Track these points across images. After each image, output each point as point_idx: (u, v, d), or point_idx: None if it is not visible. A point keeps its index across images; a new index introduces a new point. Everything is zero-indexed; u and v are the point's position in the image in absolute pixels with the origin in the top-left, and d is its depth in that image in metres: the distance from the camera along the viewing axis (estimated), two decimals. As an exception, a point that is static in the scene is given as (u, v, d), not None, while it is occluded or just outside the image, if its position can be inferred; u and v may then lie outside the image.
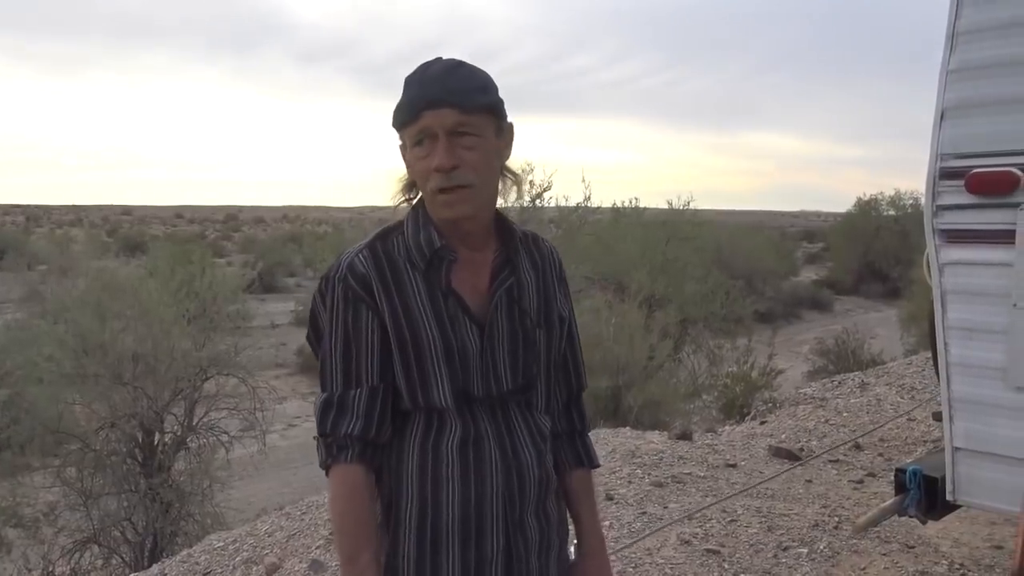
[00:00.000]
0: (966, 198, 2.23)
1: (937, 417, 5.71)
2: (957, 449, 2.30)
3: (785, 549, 3.94)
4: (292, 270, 29.93)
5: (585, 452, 1.57)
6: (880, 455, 5.33)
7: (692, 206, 13.80)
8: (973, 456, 2.28)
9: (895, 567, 3.76)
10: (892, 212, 22.47)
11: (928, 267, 3.20)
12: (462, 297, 1.39)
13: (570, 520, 1.59)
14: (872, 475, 4.97)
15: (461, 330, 1.38)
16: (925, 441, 5.47)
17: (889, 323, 18.06)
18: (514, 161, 1.45)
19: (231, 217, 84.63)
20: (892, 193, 22.79)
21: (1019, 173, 2.14)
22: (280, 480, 10.19)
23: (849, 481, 4.87)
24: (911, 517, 2.51)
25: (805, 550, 3.94)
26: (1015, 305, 2.18)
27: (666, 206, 14.11)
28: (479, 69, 1.38)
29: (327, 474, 1.38)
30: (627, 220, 13.84)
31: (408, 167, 1.40)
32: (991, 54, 2.18)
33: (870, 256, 22.08)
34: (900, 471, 2.49)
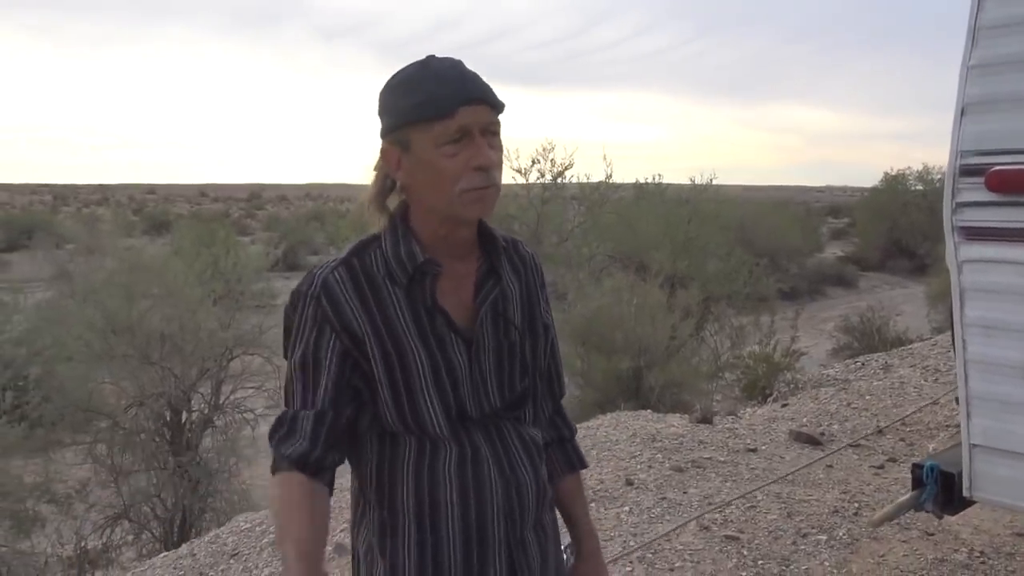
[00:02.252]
0: (986, 195, 2.21)
1: (959, 402, 5.70)
2: (975, 446, 2.30)
3: (804, 536, 3.96)
4: (315, 248, 30.15)
5: (576, 456, 1.56)
6: (902, 440, 5.31)
7: (715, 182, 13.69)
8: (991, 453, 2.27)
9: (914, 554, 3.76)
10: (920, 187, 22.15)
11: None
12: (447, 312, 1.33)
13: (563, 523, 1.58)
14: (893, 460, 4.95)
15: (448, 348, 1.32)
16: (947, 426, 5.43)
17: (915, 300, 17.87)
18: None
19: (254, 195, 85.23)
20: (920, 168, 22.46)
21: (1040, 171, 2.12)
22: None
23: (870, 467, 4.86)
24: (928, 512, 2.52)
25: (824, 537, 3.96)
26: (1035, 303, 2.16)
27: (688, 183, 14.02)
28: None
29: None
30: (649, 198, 13.77)
31: (418, 167, 1.29)
32: (1014, 50, 2.15)
33: (897, 232, 21.81)
34: (917, 466, 2.49)
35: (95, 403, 7.57)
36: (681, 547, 3.90)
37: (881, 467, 4.86)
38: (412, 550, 1.33)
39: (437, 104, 1.26)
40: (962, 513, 3.96)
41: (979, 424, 2.29)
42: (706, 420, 5.79)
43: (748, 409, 6.69)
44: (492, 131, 1.31)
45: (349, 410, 1.34)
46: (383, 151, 1.33)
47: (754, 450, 5.20)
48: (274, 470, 1.33)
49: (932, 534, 3.94)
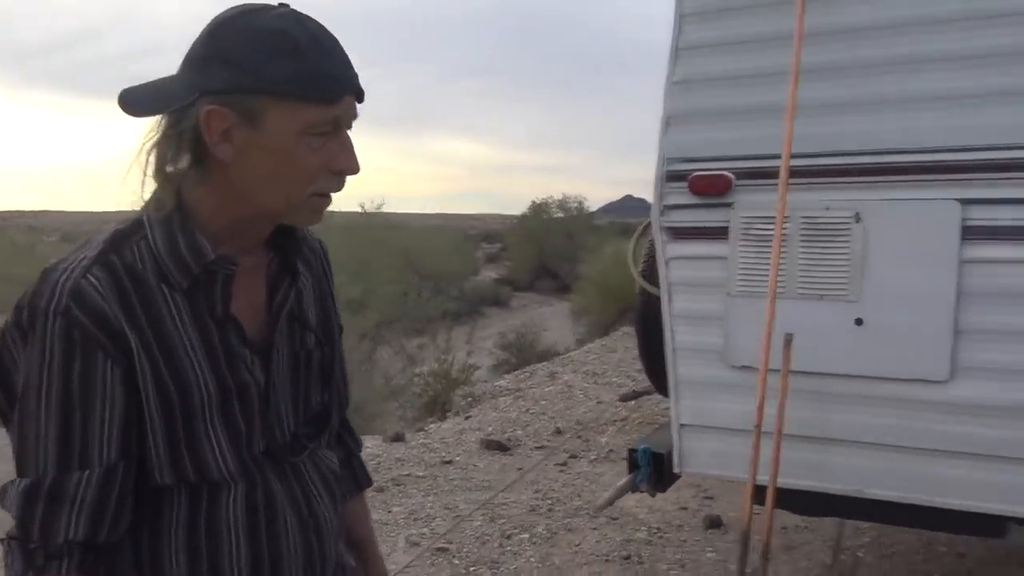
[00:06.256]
0: (689, 198, 2.47)
1: (624, 399, 6.36)
2: (683, 426, 2.55)
3: (509, 537, 4.11)
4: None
5: (363, 473, 1.37)
6: (579, 437, 5.76)
7: (384, 210, 13.90)
8: (697, 430, 2.53)
9: (605, 539, 4.09)
10: (561, 214, 24.63)
11: (633, 260, 3.51)
12: (239, 322, 1.05)
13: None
14: (574, 456, 5.35)
15: (241, 368, 1.04)
16: (615, 420, 6.03)
17: (560, 315, 19.68)
18: None
19: None
20: (561, 197, 25.02)
21: (732, 176, 2.42)
22: None
23: (555, 464, 5.20)
24: (643, 492, 2.74)
25: (527, 535, 4.14)
26: (729, 293, 2.46)
27: (359, 210, 14.08)
28: None
29: None
30: (318, 225, 13.56)
31: (264, 151, 0.98)
32: (708, 69, 2.45)
33: (543, 255, 23.96)
34: (632, 451, 2.69)
35: None
36: (394, 566, 3.82)
37: (564, 464, 5.23)
38: None
39: (325, 83, 0.97)
40: (638, 498, 4.39)
41: (687, 406, 2.54)
42: (399, 438, 5.79)
43: (434, 424, 6.83)
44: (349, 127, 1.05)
45: (138, 457, 1.01)
46: (210, 112, 0.96)
47: (450, 462, 5.30)
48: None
49: (616, 518, 4.32)
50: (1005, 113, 2.14)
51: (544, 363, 9.16)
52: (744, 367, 2.43)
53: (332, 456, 1.22)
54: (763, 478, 2.29)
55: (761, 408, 2.28)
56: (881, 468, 2.33)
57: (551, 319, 19.80)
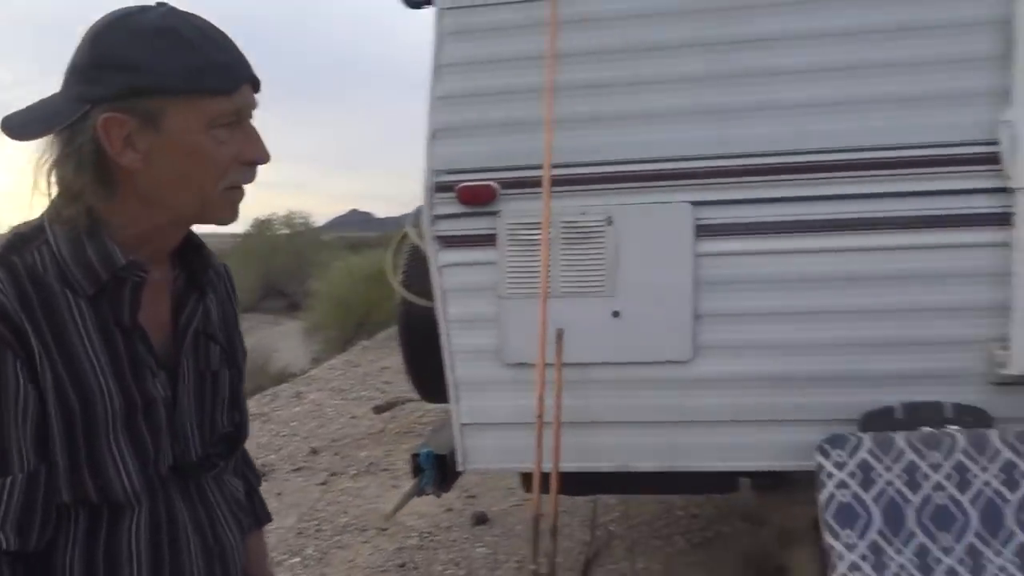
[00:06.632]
0: (457, 208, 2.59)
1: (378, 410, 6.37)
2: (464, 425, 2.66)
3: (280, 564, 3.98)
4: None
5: (262, 508, 1.35)
6: (336, 454, 5.69)
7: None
8: (478, 428, 2.66)
9: (378, 551, 4.11)
10: (287, 230, 23.83)
11: (392, 269, 3.59)
12: (146, 332, 1.01)
13: None
14: (334, 474, 5.29)
15: (148, 381, 1.00)
16: (371, 433, 6.03)
17: (291, 334, 19.12)
18: None
19: None
20: (286, 213, 24.19)
21: (496, 187, 2.58)
22: None
23: (316, 484, 5.11)
24: (429, 494, 2.81)
25: (297, 559, 4.05)
26: (500, 296, 2.61)
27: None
28: None
29: None
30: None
31: (170, 152, 0.96)
32: (468, 85, 2.58)
33: (270, 274, 23.04)
34: (415, 455, 2.75)
35: None
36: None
37: (325, 483, 5.15)
38: None
39: (221, 74, 0.96)
40: (408, 504, 4.46)
41: (466, 405, 2.65)
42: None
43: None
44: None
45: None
46: (106, 120, 0.92)
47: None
48: None
49: (386, 529, 4.36)
50: (723, 126, 2.51)
51: (285, 384, 8.88)
52: (518, 364, 2.60)
53: (238, 483, 1.19)
54: (546, 465, 2.47)
55: (541, 400, 2.45)
56: (641, 443, 2.61)
57: (281, 339, 19.17)
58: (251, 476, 1.31)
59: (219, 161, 0.98)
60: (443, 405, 4.52)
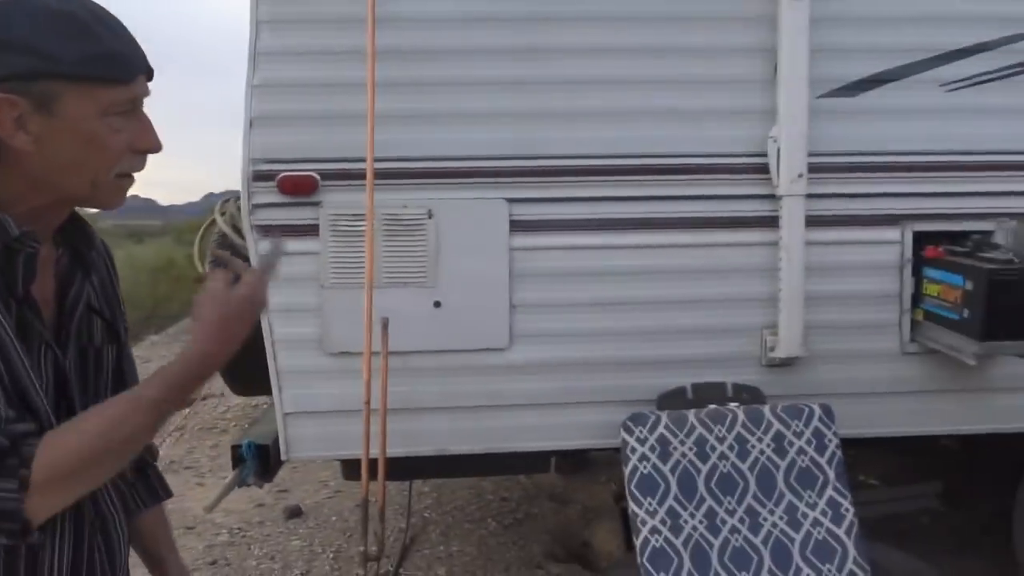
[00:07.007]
0: (279, 197, 2.57)
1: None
2: (287, 414, 2.65)
3: None
4: None
5: (160, 483, 1.34)
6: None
7: None
8: (301, 417, 2.65)
9: (186, 549, 3.95)
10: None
11: (200, 259, 3.49)
12: (38, 305, 1.01)
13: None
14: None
15: (39, 356, 1.00)
16: (170, 432, 5.75)
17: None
18: None
19: None
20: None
21: (318, 178, 2.58)
22: None
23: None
24: (250, 485, 2.77)
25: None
26: (323, 286, 2.63)
27: None
28: None
29: None
30: None
31: (63, 137, 0.97)
32: (287, 75, 2.56)
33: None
34: (236, 447, 2.71)
35: None
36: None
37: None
38: None
39: (119, 63, 0.98)
40: (217, 501, 4.33)
41: (289, 395, 2.64)
42: None
43: None
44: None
45: None
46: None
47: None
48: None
49: (192, 527, 4.21)
50: (533, 129, 2.67)
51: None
52: (342, 353, 2.63)
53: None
54: (372, 451, 2.53)
55: (368, 387, 2.50)
56: (461, 428, 2.72)
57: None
58: (144, 452, 1.29)
59: (113, 148, 1.01)
60: (255, 399, 4.46)
